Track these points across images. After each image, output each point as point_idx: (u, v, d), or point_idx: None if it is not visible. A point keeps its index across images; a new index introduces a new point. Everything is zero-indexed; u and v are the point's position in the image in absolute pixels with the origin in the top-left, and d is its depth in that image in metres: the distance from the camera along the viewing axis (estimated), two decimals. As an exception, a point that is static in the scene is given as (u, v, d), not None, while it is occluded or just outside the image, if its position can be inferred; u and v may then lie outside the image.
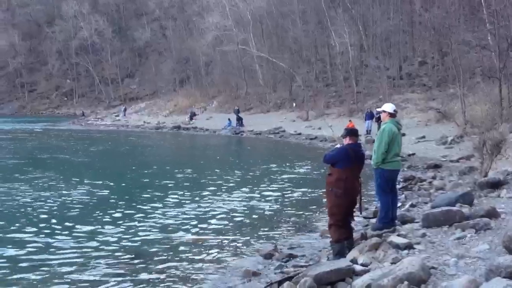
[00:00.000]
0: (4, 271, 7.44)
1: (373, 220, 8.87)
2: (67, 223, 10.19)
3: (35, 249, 8.50)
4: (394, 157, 7.79)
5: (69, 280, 7.04)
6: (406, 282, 4.83)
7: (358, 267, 6.03)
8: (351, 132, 7.25)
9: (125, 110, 62.55)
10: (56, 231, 9.61)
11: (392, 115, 8.01)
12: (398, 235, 7.09)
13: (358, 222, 9.15)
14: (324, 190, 7.25)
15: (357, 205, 7.17)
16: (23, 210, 11.55)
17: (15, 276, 7.18)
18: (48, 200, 12.58)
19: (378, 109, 8.58)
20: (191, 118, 49.30)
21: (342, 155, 6.98)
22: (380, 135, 7.85)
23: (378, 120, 24.14)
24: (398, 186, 11.41)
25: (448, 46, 30.43)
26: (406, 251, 6.36)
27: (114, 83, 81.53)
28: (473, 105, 24.33)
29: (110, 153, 26.12)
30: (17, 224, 10.17)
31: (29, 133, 41.34)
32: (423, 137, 24.09)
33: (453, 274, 5.24)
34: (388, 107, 8.12)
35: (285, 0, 56.53)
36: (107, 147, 30.05)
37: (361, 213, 7.78)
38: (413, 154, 20.30)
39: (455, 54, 27.96)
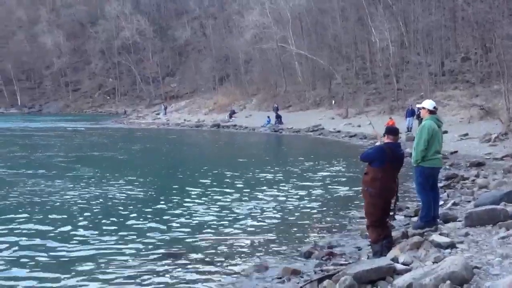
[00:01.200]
0: (41, 264, 7.68)
1: (414, 219, 8.78)
2: (104, 220, 10.45)
3: (71, 244, 8.72)
4: (434, 155, 7.67)
5: (99, 276, 7.16)
6: (448, 282, 4.78)
7: (399, 266, 5.99)
8: (390, 131, 7.10)
9: (165, 108, 63.37)
10: (94, 227, 9.84)
11: (432, 112, 7.91)
12: (440, 234, 7.01)
13: (399, 220, 9.08)
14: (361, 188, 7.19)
15: (392, 207, 7.04)
16: (63, 205, 11.90)
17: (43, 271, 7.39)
18: (89, 196, 12.92)
19: (418, 105, 8.49)
20: (230, 116, 49.58)
21: (379, 153, 6.86)
22: (420, 132, 7.75)
23: (419, 117, 23.79)
24: (440, 185, 11.25)
25: (491, 41, 29.71)
26: (448, 250, 6.28)
27: (155, 82, 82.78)
28: (518, 102, 23.72)
29: (150, 151, 26.55)
30: (52, 218, 10.50)
31: (74, 131, 42.41)
32: (466, 134, 23.59)
33: (497, 274, 5.16)
34: (428, 103, 8.03)
35: (324, -3, 56.25)
36: (148, 145, 30.57)
37: (394, 217, 7.48)
38: (456, 152, 19.90)
39: (499, 50, 27.25)
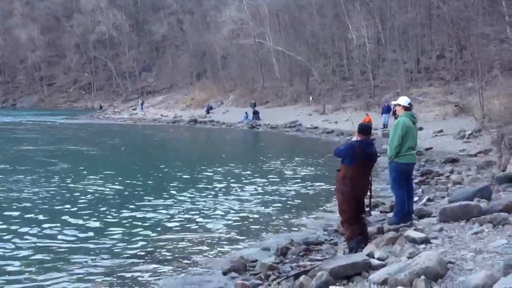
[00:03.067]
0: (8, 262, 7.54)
1: (390, 215, 8.86)
2: (72, 217, 10.28)
3: (37, 243, 8.54)
4: (408, 151, 7.77)
5: (70, 275, 7.04)
6: (423, 277, 4.82)
7: (374, 261, 6.03)
8: (361, 129, 7.06)
9: (142, 103, 62.87)
10: (61, 224, 9.67)
11: (407, 108, 7.99)
12: (415, 230, 7.08)
13: (374, 216, 9.14)
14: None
15: (367, 204, 7.09)
16: (29, 202, 11.72)
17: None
18: (60, 192, 12.75)
19: (394, 102, 8.57)
20: (207, 112, 49.43)
21: (349, 151, 6.86)
22: (394, 129, 7.86)
23: (395, 114, 24.02)
24: (415, 180, 11.38)
25: (466, 39, 30.09)
26: (423, 246, 6.35)
27: (132, 77, 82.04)
28: (491, 99, 24.07)
29: (125, 147, 26.30)
30: (17, 215, 10.35)
31: (49, 126, 41.78)
32: (441, 131, 23.90)
33: (470, 269, 5.22)
34: (403, 100, 8.12)
35: (302, -7, 56.34)
36: (123, 141, 30.28)
37: (369, 214, 7.54)
38: (431, 148, 20.16)
39: (474, 48, 27.62)
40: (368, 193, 7.05)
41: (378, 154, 7.51)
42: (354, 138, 7.11)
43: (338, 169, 6.96)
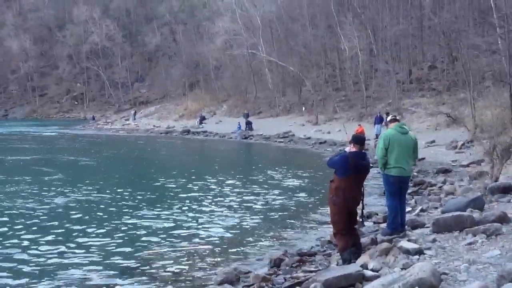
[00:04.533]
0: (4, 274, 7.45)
1: (383, 225, 8.85)
2: (61, 228, 10.26)
3: (33, 255, 8.47)
4: (398, 163, 7.66)
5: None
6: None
7: (368, 273, 6.01)
8: (356, 140, 7.05)
9: (135, 114, 62.73)
10: (58, 236, 9.62)
11: (393, 120, 8.12)
12: (409, 240, 7.06)
13: (368, 227, 9.14)
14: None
15: (359, 215, 7.07)
16: (23, 212, 11.67)
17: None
18: (52, 203, 12.70)
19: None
20: (200, 122, 49.37)
21: (342, 163, 6.83)
22: (378, 142, 8.09)
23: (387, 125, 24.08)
24: (407, 191, 11.37)
25: (458, 50, 30.32)
26: (416, 257, 6.33)
27: (124, 87, 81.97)
28: (483, 110, 24.23)
29: (117, 158, 26.26)
30: (15, 226, 10.26)
31: (41, 137, 41.60)
32: (433, 141, 23.98)
33: (464, 280, 5.22)
34: (388, 118, 8.51)
35: (294, 4, 56.57)
36: (115, 151, 30.20)
37: (362, 224, 7.56)
38: (423, 158, 20.18)
39: (465, 59, 27.82)
40: (361, 204, 7.03)
41: (371, 165, 7.52)
42: (347, 149, 7.09)
43: (332, 180, 6.94)
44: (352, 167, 6.74)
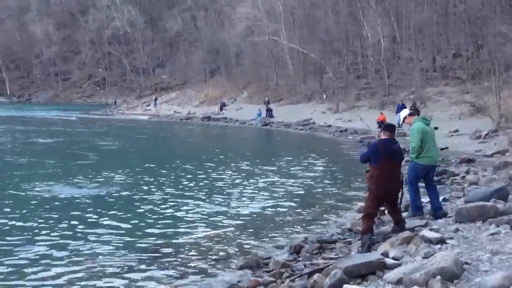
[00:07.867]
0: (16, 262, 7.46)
1: (405, 214, 8.81)
2: (80, 211, 10.42)
3: (49, 241, 8.51)
4: (427, 153, 8.13)
5: (78, 274, 6.98)
6: (438, 277, 4.78)
7: (389, 261, 5.99)
8: (386, 127, 7.52)
9: (155, 100, 63.09)
10: (70, 222, 9.65)
11: (413, 114, 8.90)
12: (430, 230, 7.03)
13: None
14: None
15: (398, 200, 7.47)
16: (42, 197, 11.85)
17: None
18: (68, 191, 12.72)
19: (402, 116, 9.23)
20: (221, 109, 49.42)
21: (373, 151, 7.25)
22: (411, 135, 8.37)
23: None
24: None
25: (483, 38, 29.82)
26: (438, 246, 6.30)
27: (145, 73, 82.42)
28: (508, 99, 23.81)
29: (139, 144, 26.45)
30: (24, 212, 10.30)
31: (65, 121, 42.17)
32: (457, 130, 23.66)
33: (486, 270, 5.17)
34: (404, 113, 9.14)
35: (317, -10, 56.11)
36: (137, 137, 30.43)
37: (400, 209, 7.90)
38: (446, 148, 19.92)
39: (491, 47, 27.32)
40: (400, 191, 7.42)
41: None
42: (374, 139, 7.37)
43: (367, 170, 7.37)
44: (383, 153, 7.08)
